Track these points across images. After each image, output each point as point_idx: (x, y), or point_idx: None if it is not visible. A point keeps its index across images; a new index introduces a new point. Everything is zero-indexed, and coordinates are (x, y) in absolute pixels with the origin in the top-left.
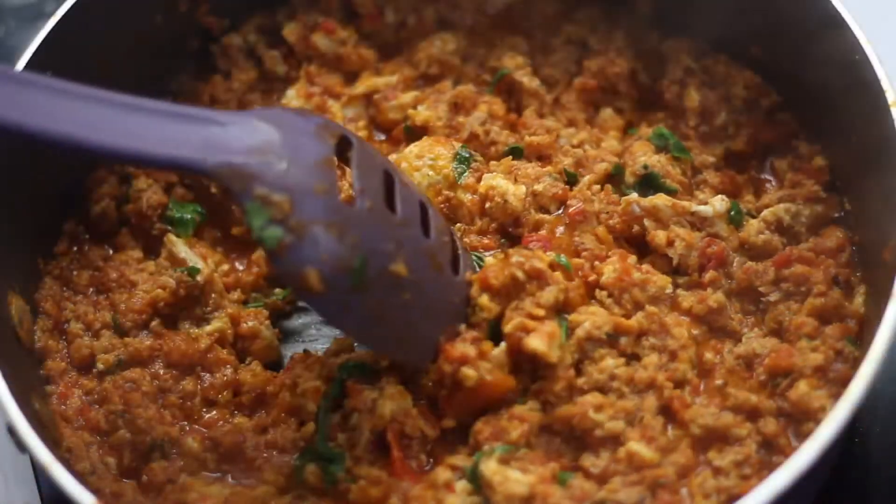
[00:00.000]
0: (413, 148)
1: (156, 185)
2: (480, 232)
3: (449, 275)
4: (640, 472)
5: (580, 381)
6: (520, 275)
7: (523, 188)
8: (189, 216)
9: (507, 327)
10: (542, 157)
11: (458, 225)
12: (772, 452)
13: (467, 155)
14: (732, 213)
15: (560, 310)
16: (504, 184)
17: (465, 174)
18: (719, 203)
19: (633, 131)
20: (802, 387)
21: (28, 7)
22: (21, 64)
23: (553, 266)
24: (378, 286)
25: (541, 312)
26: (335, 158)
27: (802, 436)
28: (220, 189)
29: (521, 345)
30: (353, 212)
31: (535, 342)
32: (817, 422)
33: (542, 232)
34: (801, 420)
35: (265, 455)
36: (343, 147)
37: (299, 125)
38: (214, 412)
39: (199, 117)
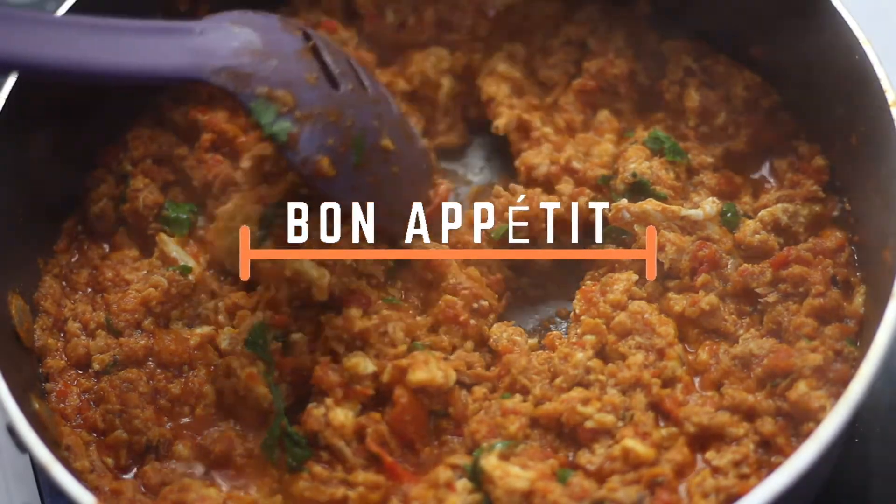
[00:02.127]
0: (229, 206)
1: (152, 184)
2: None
3: (417, 143)
4: (637, 469)
5: (558, 381)
6: (339, 348)
7: (326, 275)
8: (185, 216)
9: (384, 377)
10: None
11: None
12: (770, 452)
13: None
14: (728, 214)
15: (413, 337)
16: (309, 268)
17: (266, 240)
18: (710, 205)
19: (629, 134)
20: (802, 387)
21: (29, 7)
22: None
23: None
24: (373, 161)
25: (403, 348)
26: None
27: (802, 436)
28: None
29: (407, 383)
30: (341, 95)
31: (418, 375)
32: (817, 422)
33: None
34: (801, 420)
35: (254, 463)
36: (306, 38)
37: (268, 23)
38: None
39: (177, 29)
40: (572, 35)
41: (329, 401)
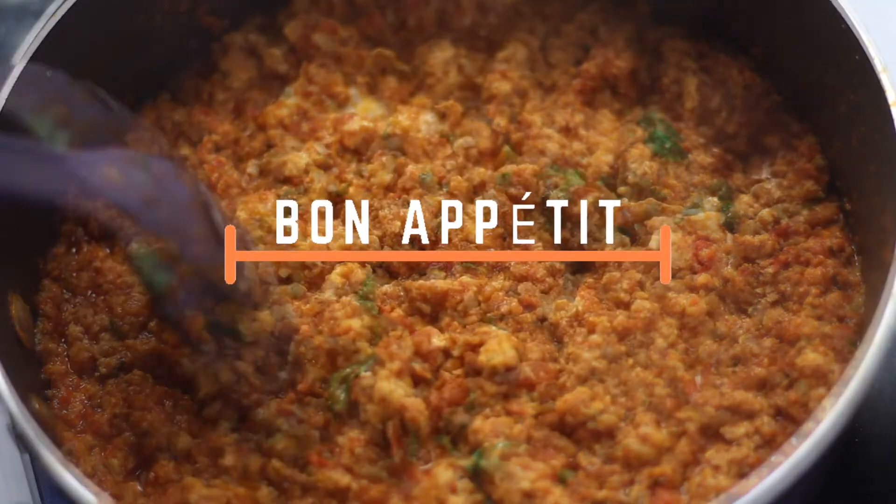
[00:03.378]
0: (241, 213)
1: None
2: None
3: None
4: (638, 470)
5: (562, 379)
6: (426, 308)
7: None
8: None
9: (455, 350)
10: (532, 151)
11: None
12: (770, 451)
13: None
14: (728, 214)
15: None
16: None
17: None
18: (709, 205)
19: (626, 112)
20: (810, 354)
21: (28, 6)
22: (21, 64)
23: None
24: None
25: (473, 318)
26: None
27: (802, 435)
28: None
29: (478, 364)
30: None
31: (497, 358)
32: (817, 421)
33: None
34: (800, 419)
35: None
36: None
37: (163, 168)
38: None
39: (59, 157)
40: (579, 27)
41: (384, 372)
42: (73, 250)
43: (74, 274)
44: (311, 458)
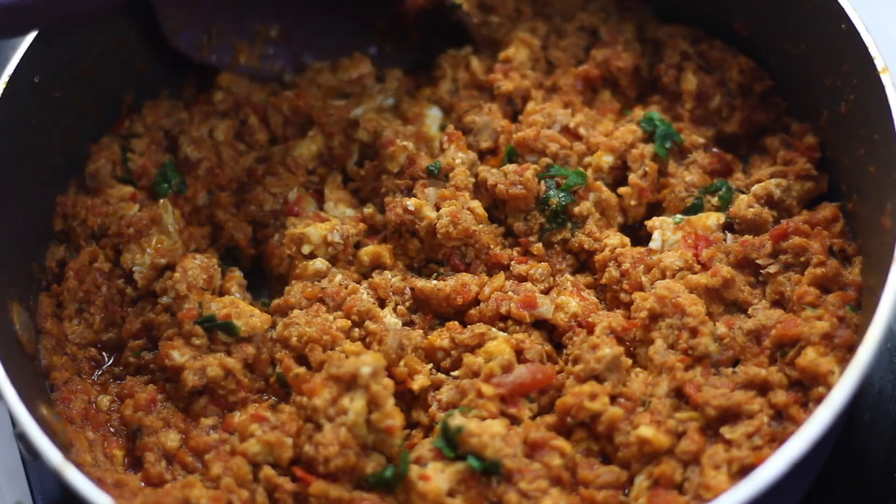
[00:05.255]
0: None
1: (156, 146)
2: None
3: None
4: (638, 470)
5: (577, 368)
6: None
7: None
8: (176, 179)
9: (454, 351)
10: (534, 150)
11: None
12: (783, 424)
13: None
14: (728, 214)
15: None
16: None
17: None
18: (710, 205)
19: (627, 112)
20: (810, 354)
21: None
22: (11, 66)
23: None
24: None
25: (472, 318)
26: None
27: (814, 401)
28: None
29: (476, 366)
30: None
31: (494, 360)
32: (828, 386)
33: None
34: (811, 386)
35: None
36: None
37: None
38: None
39: None
40: (586, 21)
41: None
42: (70, 254)
43: (67, 291)
44: (297, 474)
